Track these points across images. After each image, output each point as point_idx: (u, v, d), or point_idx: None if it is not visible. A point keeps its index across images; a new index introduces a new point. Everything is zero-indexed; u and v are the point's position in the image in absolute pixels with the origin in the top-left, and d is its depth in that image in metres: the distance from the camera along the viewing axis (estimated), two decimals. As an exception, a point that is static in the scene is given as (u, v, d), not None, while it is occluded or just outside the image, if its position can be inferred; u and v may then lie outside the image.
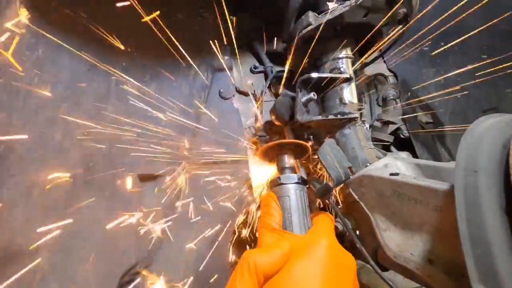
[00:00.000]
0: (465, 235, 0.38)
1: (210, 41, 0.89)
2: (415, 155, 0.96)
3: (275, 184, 0.72)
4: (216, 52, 0.91)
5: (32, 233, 0.59)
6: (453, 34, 0.98)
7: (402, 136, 0.99)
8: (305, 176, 0.77)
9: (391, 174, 0.63)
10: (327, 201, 0.75)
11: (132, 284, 0.69)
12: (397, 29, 0.81)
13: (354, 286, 0.60)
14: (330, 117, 0.80)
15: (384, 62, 1.08)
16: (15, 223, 0.58)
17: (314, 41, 0.82)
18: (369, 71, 1.04)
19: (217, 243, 0.83)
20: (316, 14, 0.78)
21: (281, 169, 0.76)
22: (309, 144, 0.77)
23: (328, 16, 0.75)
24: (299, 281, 0.55)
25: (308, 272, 0.56)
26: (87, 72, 0.72)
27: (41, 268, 0.57)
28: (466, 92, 0.98)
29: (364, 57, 0.87)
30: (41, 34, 0.66)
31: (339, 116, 0.79)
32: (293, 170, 0.76)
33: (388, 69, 1.09)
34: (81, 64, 0.71)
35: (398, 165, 0.67)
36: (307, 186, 0.76)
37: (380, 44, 0.85)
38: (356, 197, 0.70)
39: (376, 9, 0.75)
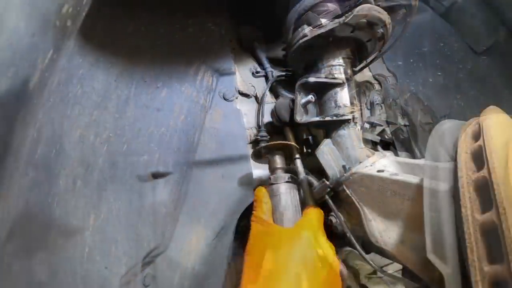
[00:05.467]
0: (427, 218, 0.47)
1: (216, 49, 0.97)
2: (397, 154, 1.05)
3: (267, 184, 0.78)
4: (221, 59, 0.98)
5: (81, 214, 0.72)
6: (415, 54, 1.26)
7: (386, 137, 1.07)
8: (303, 174, 0.83)
9: (378, 171, 0.71)
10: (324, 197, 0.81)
11: (152, 265, 0.79)
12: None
13: (330, 276, 0.63)
14: (327, 118, 0.86)
15: (384, 63, 1.20)
16: (70, 204, 0.71)
17: (310, 49, 0.90)
18: (358, 78, 1.13)
19: (221, 236, 0.89)
20: (311, 28, 0.86)
21: (272, 170, 0.81)
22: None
23: (321, 30, 0.83)
24: (273, 270, 0.60)
25: (282, 262, 0.61)
26: (113, 82, 0.81)
27: (88, 244, 0.69)
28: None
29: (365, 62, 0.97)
30: (82, 51, 0.78)
31: (334, 118, 0.86)
32: (284, 170, 0.81)
33: (388, 69, 1.20)
34: (110, 75, 0.81)
35: (384, 163, 0.75)
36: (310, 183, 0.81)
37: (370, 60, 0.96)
38: (349, 192, 0.76)
39: (360, 27, 0.84)
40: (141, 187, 0.81)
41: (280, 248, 0.64)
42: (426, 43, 1.29)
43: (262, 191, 0.77)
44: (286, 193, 0.77)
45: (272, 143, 0.81)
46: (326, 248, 0.67)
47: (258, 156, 0.88)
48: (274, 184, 0.78)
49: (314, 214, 0.73)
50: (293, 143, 0.83)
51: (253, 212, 0.76)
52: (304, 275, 0.59)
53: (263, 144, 0.86)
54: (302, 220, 0.72)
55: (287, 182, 0.78)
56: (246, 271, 0.65)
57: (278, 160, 0.82)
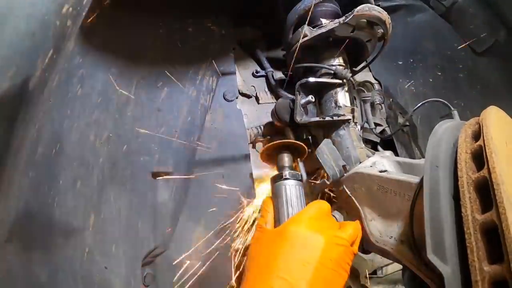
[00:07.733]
0: (428, 218, 0.47)
1: (217, 49, 0.97)
2: (396, 154, 1.05)
3: (273, 181, 0.77)
4: (222, 59, 0.98)
5: (81, 214, 0.72)
6: (417, 53, 1.26)
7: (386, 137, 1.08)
8: (304, 174, 0.83)
9: (380, 171, 0.70)
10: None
11: (152, 265, 0.79)
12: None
13: (321, 264, 0.59)
14: (327, 118, 0.86)
15: (370, 71, 1.19)
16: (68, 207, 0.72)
17: (310, 49, 0.90)
18: (358, 78, 1.13)
19: (221, 236, 0.90)
20: (311, 28, 0.86)
21: (279, 168, 0.81)
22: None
23: (322, 30, 0.83)
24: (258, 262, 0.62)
25: (263, 257, 0.62)
26: (114, 82, 0.82)
27: (88, 244, 0.70)
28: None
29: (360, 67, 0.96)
30: (82, 51, 0.79)
31: (334, 118, 0.86)
32: (291, 168, 0.80)
33: (374, 77, 1.19)
34: (110, 75, 0.82)
35: (384, 163, 0.75)
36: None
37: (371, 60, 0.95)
38: (348, 192, 0.76)
39: (360, 27, 0.84)
40: (141, 187, 0.81)
41: (270, 247, 0.64)
42: (426, 43, 1.32)
43: (267, 201, 0.76)
44: (291, 189, 0.75)
45: (281, 141, 0.79)
46: (316, 237, 0.63)
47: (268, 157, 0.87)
48: (279, 181, 0.76)
49: (311, 206, 0.70)
50: (303, 144, 0.82)
51: (257, 221, 0.76)
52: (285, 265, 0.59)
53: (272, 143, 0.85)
54: (298, 214, 0.70)
55: (292, 179, 0.76)
56: (246, 274, 0.64)
57: (285, 159, 0.81)
